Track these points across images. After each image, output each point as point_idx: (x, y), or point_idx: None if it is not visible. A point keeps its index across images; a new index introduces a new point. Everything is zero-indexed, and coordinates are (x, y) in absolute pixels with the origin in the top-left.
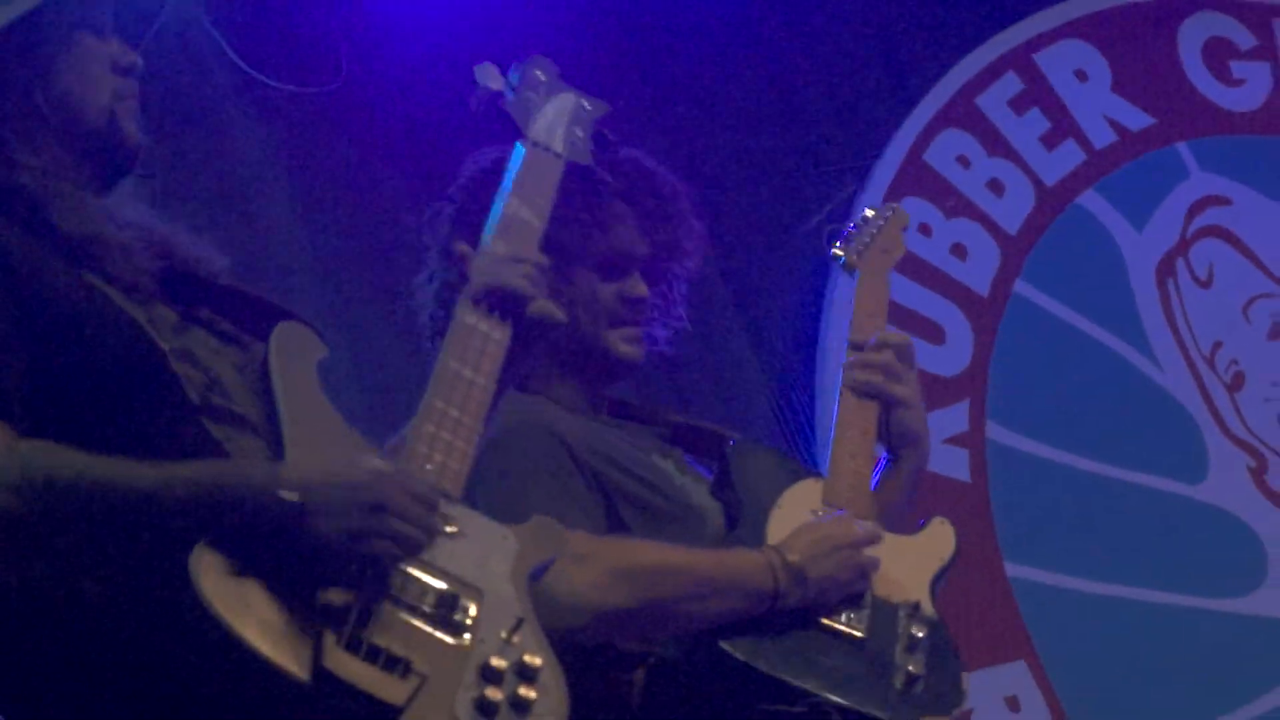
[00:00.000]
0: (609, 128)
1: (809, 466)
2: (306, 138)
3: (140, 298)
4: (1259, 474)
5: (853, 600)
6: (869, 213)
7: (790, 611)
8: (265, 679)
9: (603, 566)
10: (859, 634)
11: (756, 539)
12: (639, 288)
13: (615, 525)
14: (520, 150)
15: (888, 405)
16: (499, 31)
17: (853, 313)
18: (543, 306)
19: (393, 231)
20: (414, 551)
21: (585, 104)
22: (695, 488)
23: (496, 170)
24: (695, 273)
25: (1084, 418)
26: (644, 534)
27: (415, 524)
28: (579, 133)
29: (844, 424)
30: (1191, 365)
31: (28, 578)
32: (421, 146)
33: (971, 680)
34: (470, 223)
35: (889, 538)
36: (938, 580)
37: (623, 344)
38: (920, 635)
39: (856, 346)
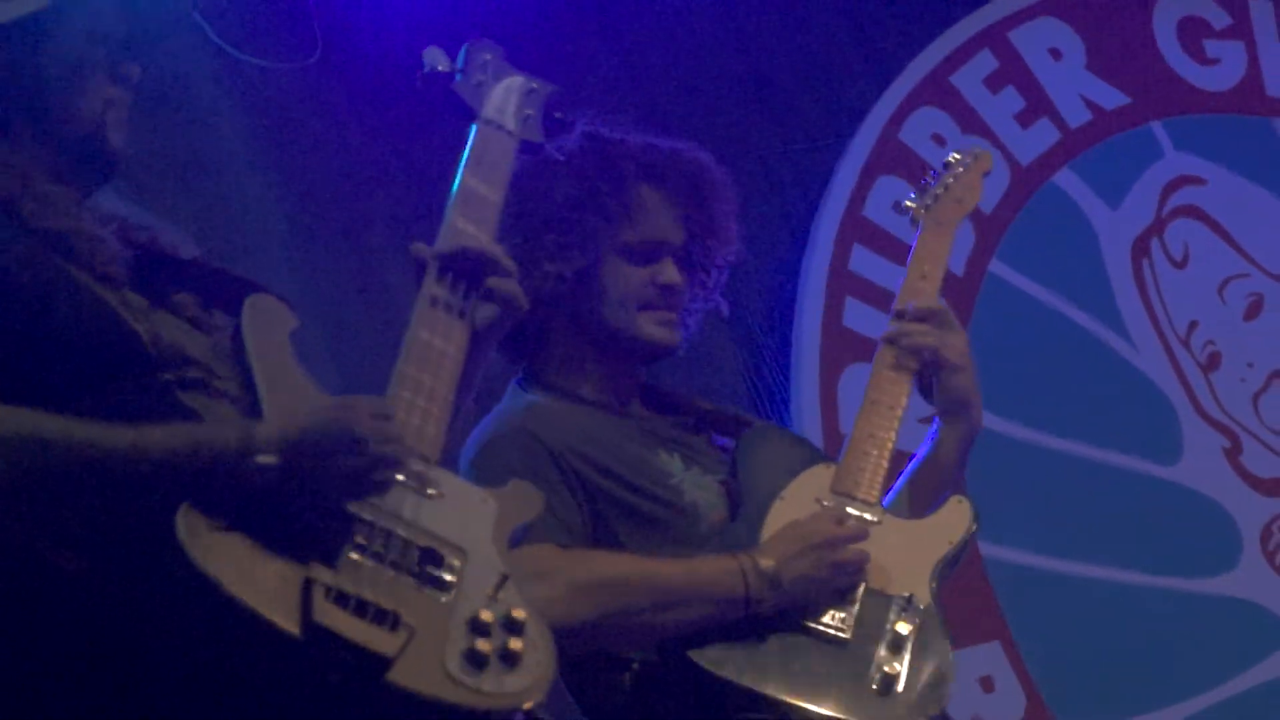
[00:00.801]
0: (563, 106)
1: (822, 452)
2: (281, 113)
3: (114, 285)
4: (1234, 455)
5: (841, 596)
6: (954, 157)
7: (768, 616)
8: (256, 634)
9: (562, 581)
10: (842, 634)
11: (752, 533)
12: (671, 274)
13: (602, 531)
14: (474, 128)
15: (935, 370)
16: (473, 7)
17: (906, 272)
18: (503, 287)
19: (368, 207)
20: (396, 469)
21: (533, 84)
22: (699, 481)
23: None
24: (735, 258)
25: (1059, 398)
26: (630, 538)
27: (383, 436)
28: (530, 112)
29: (871, 401)
30: (1166, 346)
31: (4, 542)
32: (396, 122)
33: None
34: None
35: (896, 523)
36: (946, 564)
37: (652, 326)
38: (906, 631)
39: (898, 314)
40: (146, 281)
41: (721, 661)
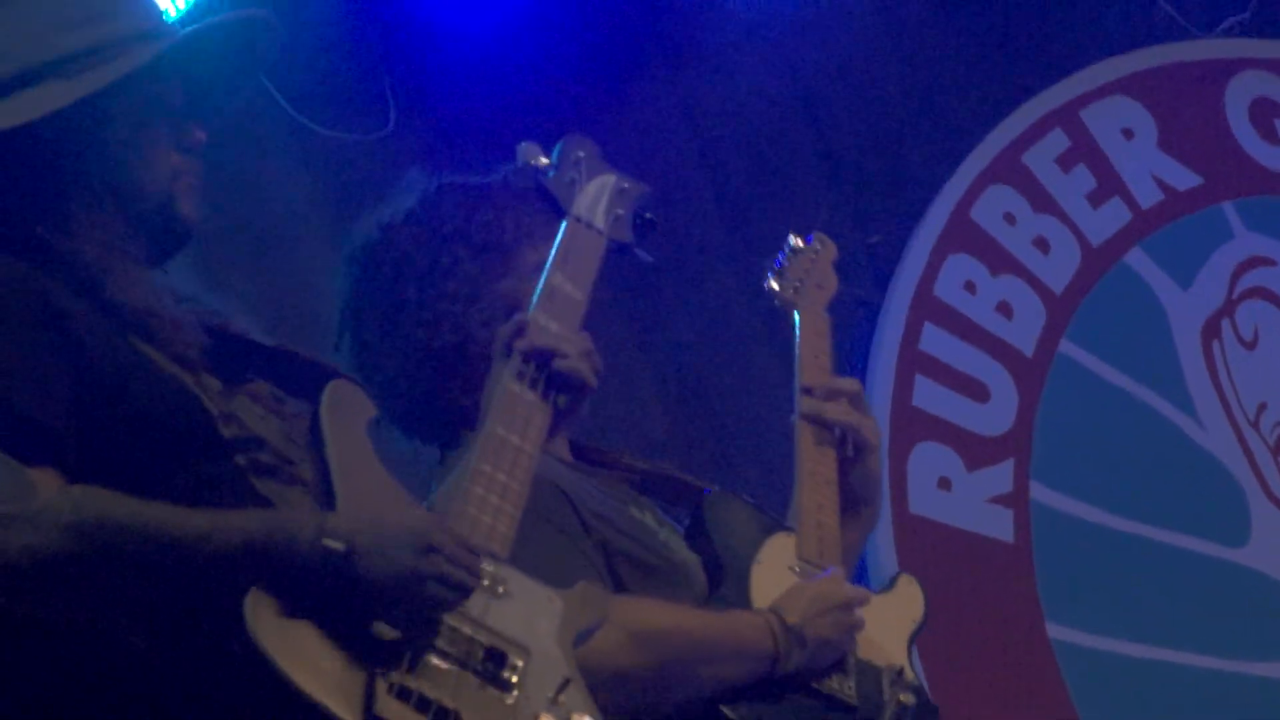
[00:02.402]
0: (653, 206)
1: (776, 518)
2: (355, 186)
3: (189, 366)
4: None
5: (838, 664)
6: (796, 243)
7: (782, 677)
8: None
9: (621, 627)
10: (851, 700)
11: (741, 597)
12: None
13: (614, 583)
14: (563, 225)
15: (857, 450)
16: (546, 84)
17: (798, 354)
18: (566, 365)
19: None
20: (463, 593)
21: (625, 184)
22: (674, 541)
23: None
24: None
25: (1127, 478)
26: (640, 592)
27: (463, 567)
28: (620, 211)
29: (809, 474)
30: (1235, 427)
31: (76, 621)
32: None
33: None
34: (505, 252)
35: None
36: (912, 641)
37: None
38: (908, 702)
39: (807, 391)
40: (222, 364)
41: (753, 718)
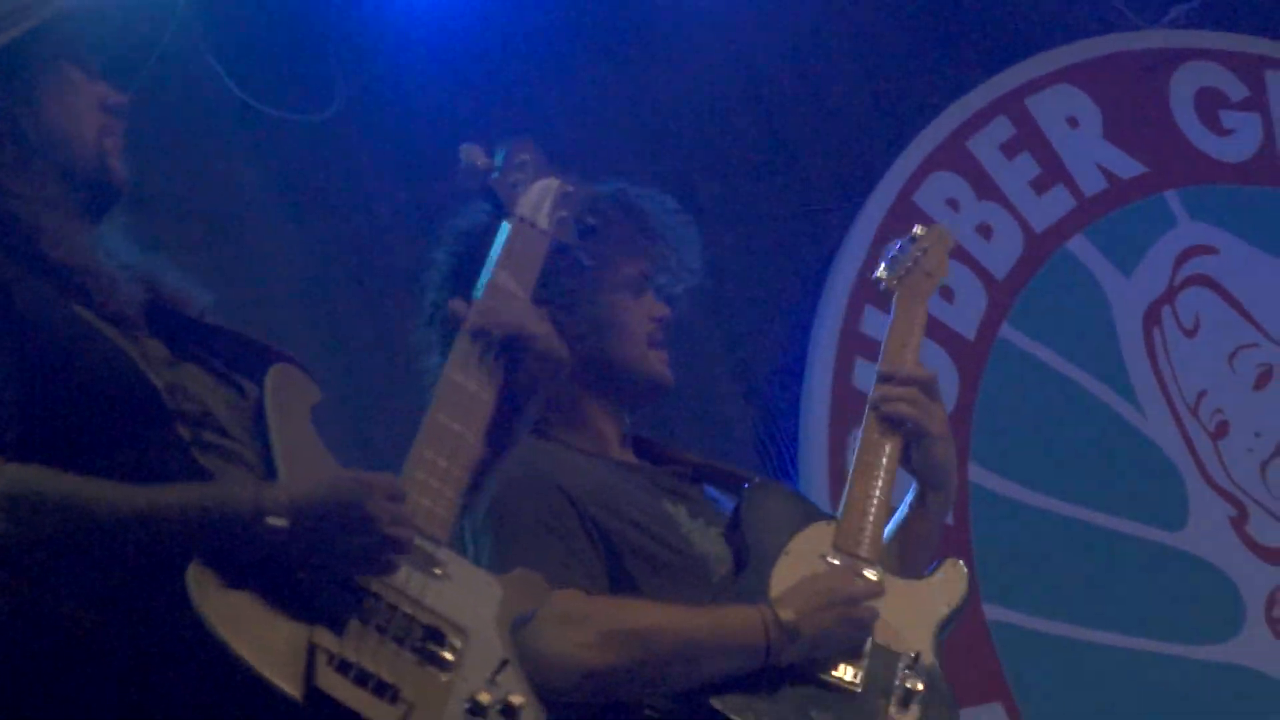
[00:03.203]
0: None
1: (818, 509)
2: (301, 165)
3: (130, 331)
4: (1239, 524)
5: (851, 651)
6: (918, 231)
7: (788, 665)
8: (258, 694)
9: (593, 628)
10: (854, 686)
11: (760, 587)
12: (661, 307)
13: (619, 577)
14: (506, 226)
15: (917, 438)
16: (491, 69)
17: (885, 341)
18: (546, 345)
19: (387, 264)
20: (402, 550)
21: (569, 187)
22: (705, 533)
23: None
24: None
25: (1067, 463)
26: (648, 585)
27: (393, 521)
28: (564, 213)
29: (864, 463)
30: (1175, 413)
31: (17, 602)
32: (415, 177)
33: None
34: (465, 277)
35: (896, 582)
36: (945, 625)
37: (660, 364)
38: (916, 688)
39: (885, 379)
40: (169, 333)
41: (743, 709)
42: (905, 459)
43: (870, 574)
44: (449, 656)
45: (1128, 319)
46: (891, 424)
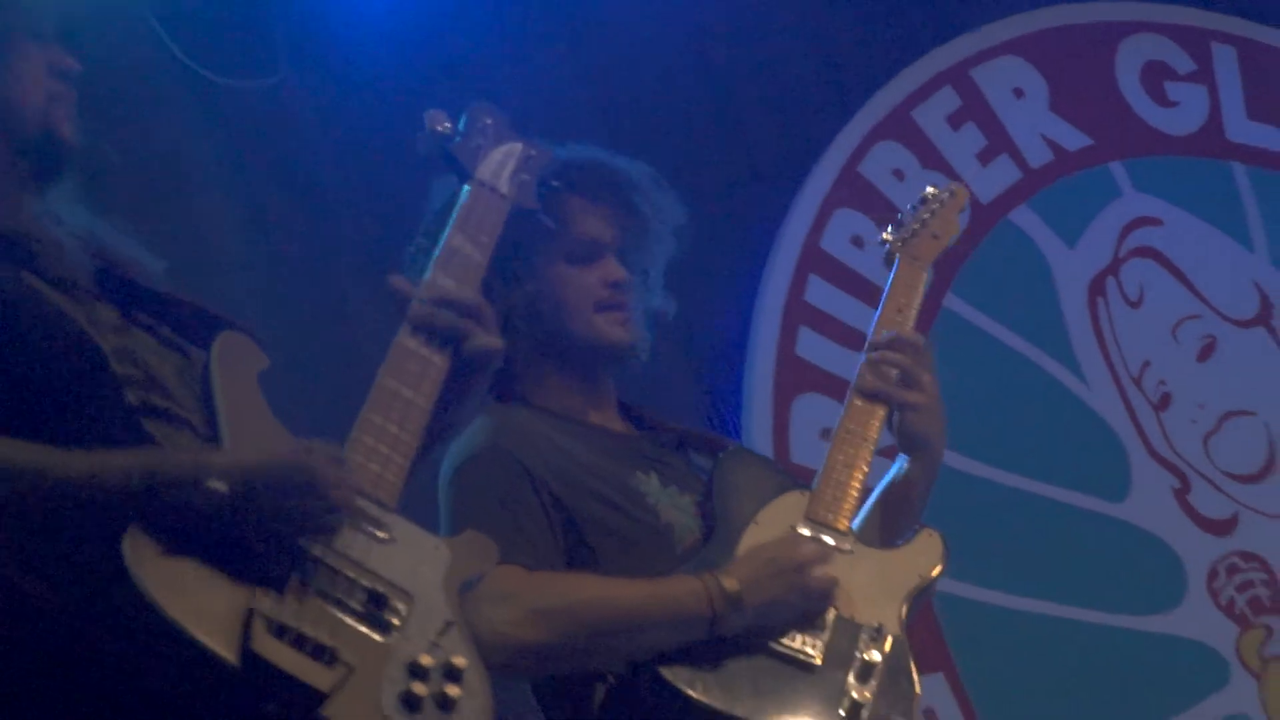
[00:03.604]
0: (560, 175)
1: (793, 478)
2: (246, 133)
3: (79, 296)
4: (1182, 495)
5: (811, 621)
6: (930, 191)
7: (741, 635)
8: (195, 661)
9: (523, 605)
10: (812, 658)
11: (723, 558)
12: (616, 271)
13: (579, 549)
14: (466, 189)
15: (902, 406)
16: (440, 35)
17: (881, 305)
18: (479, 341)
19: (332, 232)
20: (345, 515)
21: (533, 151)
22: (675, 502)
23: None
24: (671, 253)
25: (1010, 433)
26: (609, 557)
27: (339, 487)
28: (525, 177)
29: (846, 430)
30: (1119, 384)
31: None
32: (360, 145)
33: None
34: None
35: (868, 552)
36: (917, 596)
37: (610, 327)
38: (875, 660)
39: (875, 344)
40: (119, 299)
41: (692, 680)
42: (889, 426)
43: (843, 544)
44: (392, 620)
45: (1072, 290)
46: (879, 389)
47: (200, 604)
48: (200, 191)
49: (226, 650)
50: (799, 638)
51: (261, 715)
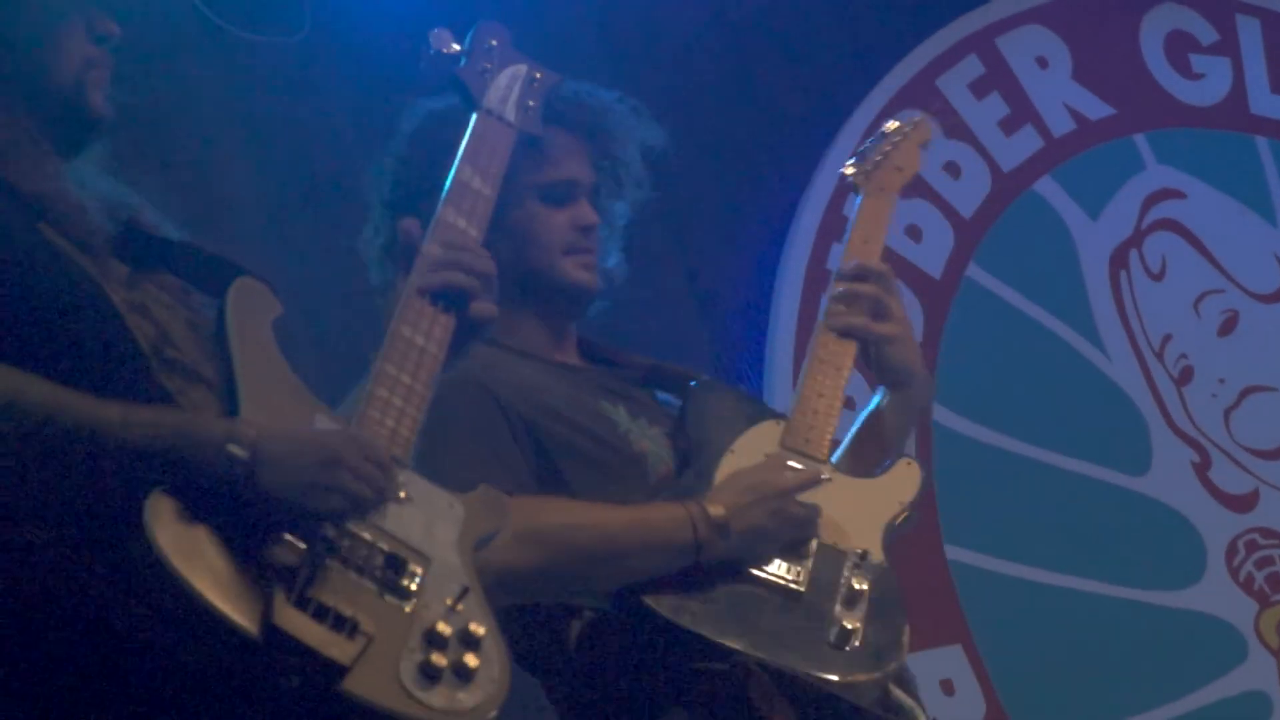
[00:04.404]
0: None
1: (767, 407)
2: (267, 90)
3: (95, 253)
4: (1202, 469)
5: (794, 549)
6: (891, 125)
7: (725, 564)
8: (213, 630)
9: (506, 529)
10: (797, 586)
11: (701, 486)
12: (589, 215)
13: (552, 477)
14: (473, 118)
15: (876, 335)
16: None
17: (848, 235)
18: (481, 308)
19: (352, 189)
20: (365, 511)
21: (538, 74)
22: (645, 432)
23: (436, 127)
24: (640, 204)
25: (1030, 405)
26: (581, 483)
27: (369, 484)
28: (531, 103)
29: (818, 360)
30: (1140, 357)
31: None
32: (382, 105)
33: (907, 663)
34: (411, 190)
35: (847, 481)
36: (896, 524)
37: (577, 270)
38: (862, 587)
39: (844, 274)
40: (130, 253)
41: (678, 609)
42: (866, 358)
43: (814, 469)
44: (410, 585)
45: (1094, 262)
46: (851, 326)
47: (220, 574)
48: (219, 146)
49: (246, 620)
50: (783, 565)
51: (280, 687)
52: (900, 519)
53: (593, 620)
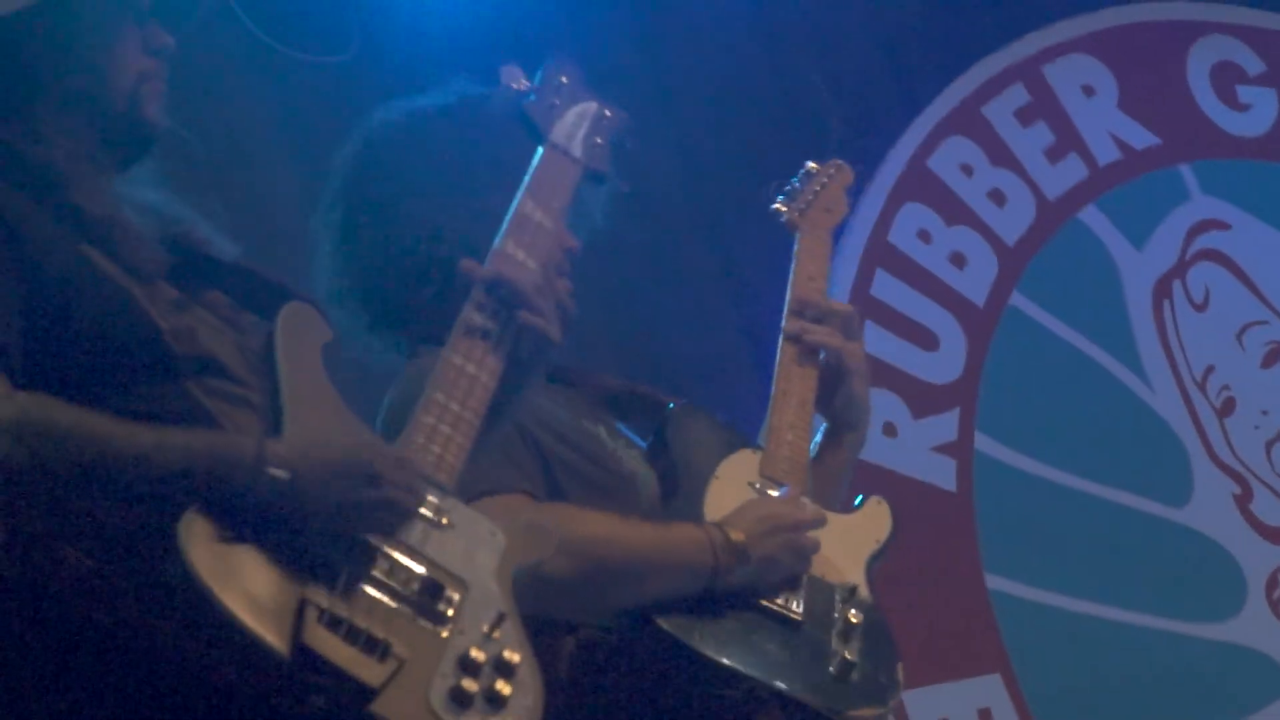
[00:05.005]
0: (635, 135)
1: (743, 435)
2: (316, 109)
3: (141, 273)
4: (1243, 501)
5: (790, 582)
6: (811, 167)
7: (727, 591)
8: (244, 649)
9: None
10: (796, 617)
11: (694, 510)
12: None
13: (553, 492)
14: (539, 152)
15: (839, 374)
16: (509, 15)
17: (793, 274)
18: (530, 318)
19: None
20: (404, 518)
21: (607, 111)
22: (627, 454)
23: (408, 130)
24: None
25: (1072, 434)
26: (580, 501)
27: (405, 490)
28: (598, 140)
29: (783, 393)
30: (1182, 388)
31: (12, 536)
32: None
33: (946, 691)
34: (373, 198)
35: (826, 514)
36: (874, 561)
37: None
38: (856, 621)
39: (797, 311)
40: (182, 276)
41: (689, 631)
42: (823, 399)
43: (817, 507)
44: (445, 610)
45: (1138, 291)
46: (810, 358)
47: (252, 591)
48: (270, 164)
49: (278, 640)
50: (782, 596)
51: (308, 708)
52: (877, 556)
53: (589, 639)
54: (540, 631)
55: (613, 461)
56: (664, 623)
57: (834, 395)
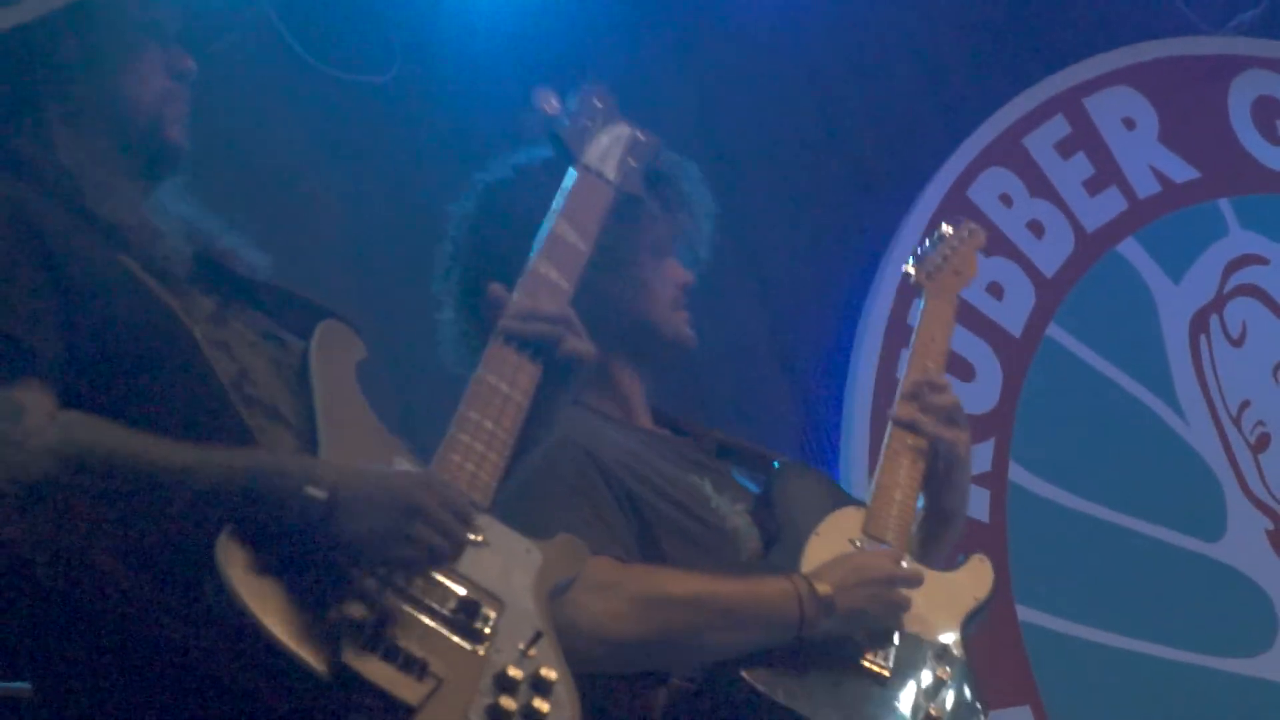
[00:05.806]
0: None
1: (852, 494)
2: (354, 128)
3: (176, 285)
4: (1276, 537)
5: (881, 636)
6: (946, 229)
7: (816, 644)
8: (284, 671)
9: (625, 596)
10: (884, 672)
11: (792, 563)
12: (686, 273)
13: (649, 547)
14: (572, 174)
15: (949, 462)
16: (552, 43)
17: (915, 336)
18: (573, 345)
19: (434, 230)
20: (440, 562)
21: (640, 136)
22: (730, 508)
23: (519, 185)
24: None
25: (1106, 467)
26: (678, 556)
27: (446, 535)
28: (632, 163)
29: (894, 453)
30: (1217, 422)
31: (55, 551)
32: (469, 143)
33: None
34: (493, 254)
35: (927, 573)
36: (971, 619)
37: (684, 326)
38: (945, 678)
39: (922, 387)
40: (218, 289)
41: (773, 684)
42: (928, 479)
43: (916, 567)
44: (483, 628)
45: (1175, 325)
46: (919, 439)
47: (291, 612)
48: (307, 181)
49: (317, 661)
50: (871, 651)
51: None
52: (975, 613)
53: (681, 690)
54: (631, 683)
55: (715, 517)
56: (748, 674)
57: (939, 480)
